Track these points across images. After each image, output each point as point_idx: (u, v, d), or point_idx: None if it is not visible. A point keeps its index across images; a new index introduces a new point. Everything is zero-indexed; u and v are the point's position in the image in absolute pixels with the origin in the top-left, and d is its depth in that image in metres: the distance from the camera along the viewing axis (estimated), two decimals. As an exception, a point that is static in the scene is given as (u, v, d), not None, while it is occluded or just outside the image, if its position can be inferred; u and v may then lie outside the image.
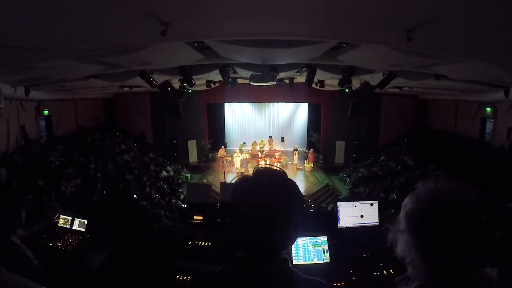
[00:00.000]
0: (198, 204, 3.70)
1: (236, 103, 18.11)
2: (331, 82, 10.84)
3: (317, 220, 3.15)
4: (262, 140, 17.34)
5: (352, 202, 2.86)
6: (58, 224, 3.35)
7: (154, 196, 11.15)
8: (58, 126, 12.63)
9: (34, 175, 8.20)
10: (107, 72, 7.23)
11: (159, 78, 8.92)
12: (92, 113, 14.94)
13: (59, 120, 12.63)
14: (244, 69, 8.42)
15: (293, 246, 2.41)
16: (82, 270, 2.52)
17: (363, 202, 2.86)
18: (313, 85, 11.00)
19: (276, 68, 7.94)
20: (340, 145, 16.76)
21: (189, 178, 15.17)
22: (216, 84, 12.64)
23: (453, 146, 12.03)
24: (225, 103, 18.10)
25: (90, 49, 4.64)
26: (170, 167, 15.08)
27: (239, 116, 18.92)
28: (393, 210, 8.36)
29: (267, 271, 0.94)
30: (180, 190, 13.02)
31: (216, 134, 17.75)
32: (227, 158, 16.13)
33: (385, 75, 7.96)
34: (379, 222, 2.82)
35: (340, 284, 2.30)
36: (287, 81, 11.78)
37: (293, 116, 18.66)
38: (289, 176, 1.01)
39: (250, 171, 1.02)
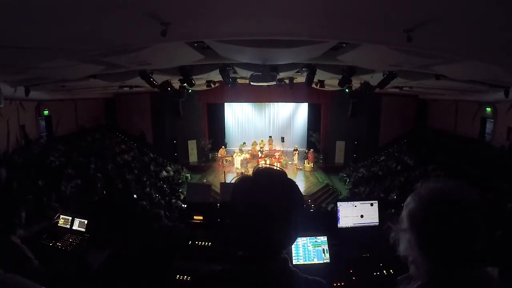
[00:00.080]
0: (198, 204, 3.70)
1: (236, 103, 18.10)
2: (331, 82, 10.84)
3: (317, 220, 3.15)
4: (262, 140, 17.33)
5: (352, 202, 2.86)
6: (58, 224, 3.35)
7: (154, 196, 11.15)
8: (58, 126, 12.63)
9: (34, 175, 8.20)
10: (107, 72, 7.23)
11: (159, 78, 8.92)
12: (92, 113, 14.95)
13: (59, 120, 12.63)
14: (244, 69, 8.42)
15: (293, 246, 2.42)
16: (82, 270, 2.52)
17: (363, 202, 2.86)
18: (313, 85, 10.99)
19: (276, 68, 7.93)
20: (340, 145, 16.76)
21: (189, 178, 15.17)
22: (216, 84, 12.64)
23: (453, 146, 12.03)
24: (225, 103, 18.09)
25: (90, 49, 4.64)
26: (170, 167, 15.08)
27: (239, 116, 18.92)
28: (393, 210, 8.37)
29: (267, 271, 0.94)
30: (180, 190, 13.02)
31: (216, 134, 17.75)
32: (227, 158, 16.14)
33: (385, 75, 7.96)
34: (379, 222, 2.82)
35: (340, 284, 2.30)
36: (287, 81, 11.77)
37: (293, 116, 18.66)
38: (289, 176, 1.01)
39: (250, 171, 1.02)
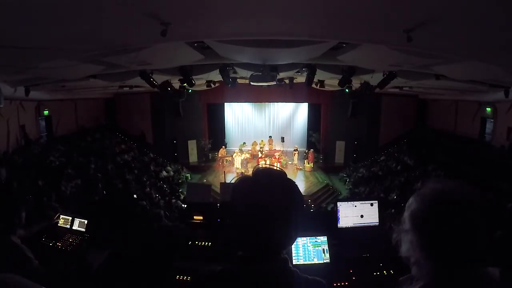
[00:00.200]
0: (198, 204, 3.69)
1: (236, 103, 18.10)
2: (331, 82, 10.84)
3: (317, 220, 3.15)
4: (262, 140, 17.33)
5: (352, 202, 2.86)
6: (58, 224, 3.35)
7: (154, 196, 11.16)
8: (58, 126, 12.63)
9: (34, 175, 8.20)
10: (107, 72, 7.23)
11: (159, 78, 8.92)
12: (92, 113, 14.95)
13: (59, 120, 12.63)
14: (244, 69, 8.42)
15: (293, 246, 2.42)
16: (82, 270, 2.52)
17: (363, 202, 2.86)
18: (313, 85, 10.99)
19: (276, 68, 7.93)
20: (340, 145, 16.76)
21: (189, 178, 15.17)
22: (216, 84, 12.64)
23: (453, 146, 12.03)
24: (225, 103, 18.09)
25: (90, 49, 4.64)
26: (170, 167, 15.08)
27: (239, 116, 18.92)
28: (393, 210, 8.38)
29: (267, 271, 0.94)
30: (180, 190, 13.02)
31: (216, 134, 17.75)
32: (227, 158, 16.14)
33: (385, 75, 7.95)
34: (379, 222, 2.82)
35: (340, 284, 2.30)
36: (287, 81, 11.77)
37: (293, 116, 18.66)
38: (289, 176, 1.02)
39: (250, 171, 1.02)
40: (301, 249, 2.50)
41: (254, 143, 17.32)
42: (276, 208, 0.93)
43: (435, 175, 10.43)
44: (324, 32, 4.33)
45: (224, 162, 16.00)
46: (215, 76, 10.15)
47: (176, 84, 10.21)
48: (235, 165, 15.16)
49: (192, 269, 2.36)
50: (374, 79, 8.70)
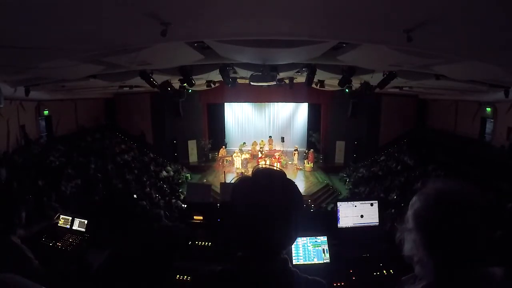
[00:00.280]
0: (198, 204, 3.70)
1: (236, 103, 18.09)
2: (331, 82, 10.84)
3: (317, 220, 3.15)
4: (262, 140, 17.33)
5: (352, 202, 2.86)
6: (58, 224, 3.35)
7: (154, 196, 11.16)
8: (58, 126, 12.63)
9: (34, 175, 8.20)
10: (107, 72, 7.22)
11: (159, 78, 8.91)
12: (92, 113, 14.95)
13: (59, 120, 12.63)
14: (244, 69, 8.41)
15: (293, 246, 2.42)
16: (82, 270, 2.52)
17: (363, 202, 2.86)
18: (313, 85, 10.99)
19: (276, 68, 7.93)
20: (340, 145, 16.76)
21: (189, 178, 15.17)
22: (216, 84, 12.64)
23: (453, 146, 12.02)
24: (225, 103, 18.08)
25: (90, 49, 4.64)
26: (170, 167, 15.08)
27: (239, 116, 18.92)
28: (393, 210, 8.38)
29: (267, 271, 0.94)
30: (180, 190, 13.02)
31: (216, 134, 17.74)
32: (227, 158, 16.14)
33: (385, 75, 7.95)
34: (379, 222, 2.82)
35: (340, 284, 2.30)
36: (287, 81, 11.77)
37: (293, 116, 18.66)
38: (289, 176, 1.02)
39: (250, 171, 1.02)
40: (301, 249, 2.50)
41: (254, 143, 17.32)
42: (276, 208, 0.93)
43: (435, 175, 10.42)
44: (324, 32, 4.33)
45: (224, 162, 16.00)
46: (215, 76, 10.15)
47: (176, 84, 10.21)
48: (235, 165, 15.16)
49: (192, 269, 2.36)
50: (374, 79, 8.69)
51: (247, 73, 8.51)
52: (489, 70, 5.51)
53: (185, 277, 2.38)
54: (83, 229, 3.25)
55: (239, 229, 0.98)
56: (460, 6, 2.71)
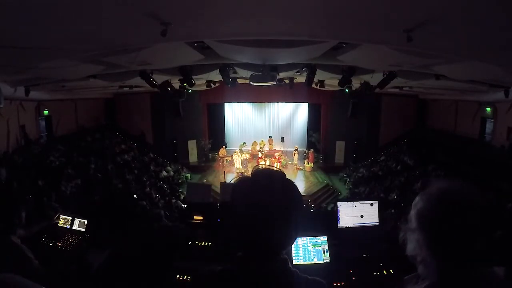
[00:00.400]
0: (198, 204, 3.70)
1: (236, 103, 18.10)
2: (331, 82, 10.84)
3: (317, 220, 3.15)
4: (262, 140, 17.33)
5: (352, 202, 2.86)
6: (58, 224, 3.35)
7: (154, 196, 11.16)
8: (58, 126, 12.63)
9: (34, 175, 8.20)
10: (107, 72, 7.22)
11: (159, 78, 8.91)
12: (92, 113, 14.95)
13: (59, 120, 12.63)
14: (244, 69, 8.41)
15: (293, 246, 2.42)
16: (82, 270, 2.52)
17: (363, 202, 2.86)
18: (313, 85, 10.99)
19: (276, 68, 7.93)
20: (340, 145, 16.76)
21: (189, 178, 15.17)
22: (216, 84, 12.64)
23: (453, 146, 12.02)
24: (225, 103, 18.09)
25: (90, 49, 4.64)
26: (170, 167, 15.08)
27: (239, 116, 18.92)
28: (393, 210, 8.38)
29: (267, 271, 0.94)
30: (180, 190, 13.02)
31: (216, 134, 17.75)
32: (227, 158, 16.14)
33: (385, 75, 7.95)
34: (379, 222, 2.82)
35: (340, 284, 2.30)
36: (287, 81, 11.77)
37: (293, 116, 18.66)
38: (289, 176, 1.02)
39: (250, 171, 1.03)
40: (301, 249, 2.50)
41: (254, 143, 17.32)
42: (276, 208, 0.93)
43: (435, 175, 10.42)
44: (324, 32, 4.33)
45: (224, 162, 16.01)
46: (215, 76, 10.15)
47: (176, 84, 10.21)
48: (235, 165, 15.16)
49: (192, 269, 2.36)
50: (374, 79, 8.69)
51: (247, 73, 8.51)
52: (489, 70, 5.51)
53: (185, 277, 2.38)
54: (83, 229, 3.25)
55: (239, 229, 0.98)
56: (460, 6, 2.71)
